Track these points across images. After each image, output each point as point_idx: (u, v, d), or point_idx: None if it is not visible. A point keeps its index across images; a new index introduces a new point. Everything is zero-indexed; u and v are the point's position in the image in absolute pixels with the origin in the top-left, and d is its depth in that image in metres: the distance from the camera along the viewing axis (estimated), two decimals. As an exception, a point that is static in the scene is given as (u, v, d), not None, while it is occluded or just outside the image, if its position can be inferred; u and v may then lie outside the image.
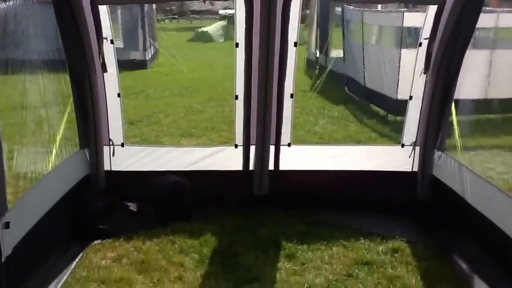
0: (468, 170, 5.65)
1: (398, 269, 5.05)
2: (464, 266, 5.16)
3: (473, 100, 8.14)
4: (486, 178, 5.57)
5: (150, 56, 20.31)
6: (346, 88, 14.68)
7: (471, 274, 5.00)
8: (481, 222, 5.25)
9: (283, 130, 5.92)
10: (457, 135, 6.31)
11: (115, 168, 6.18)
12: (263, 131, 5.75)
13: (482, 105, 8.62)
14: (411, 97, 6.12)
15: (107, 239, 5.47)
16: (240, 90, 5.78)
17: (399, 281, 4.84)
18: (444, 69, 5.60)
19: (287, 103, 5.84)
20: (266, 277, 4.85)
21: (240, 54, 5.60)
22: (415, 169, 6.33)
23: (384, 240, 5.59)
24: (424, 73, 5.81)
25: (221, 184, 5.99)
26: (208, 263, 5.09)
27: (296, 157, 6.22)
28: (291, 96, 5.88)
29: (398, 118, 11.45)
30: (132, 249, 5.31)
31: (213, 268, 5.02)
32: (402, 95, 11.05)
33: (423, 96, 5.96)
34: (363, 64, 13.26)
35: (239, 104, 5.86)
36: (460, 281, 4.88)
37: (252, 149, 6.00)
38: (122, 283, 4.70)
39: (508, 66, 10.94)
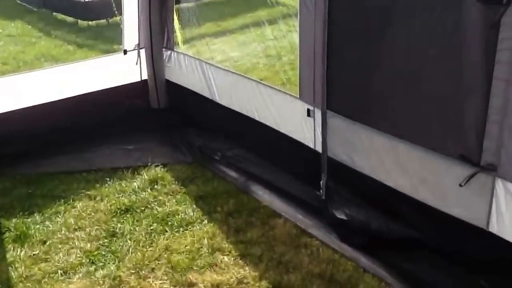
0: (206, 64, 4.83)
1: (167, 203, 4.06)
2: (226, 169, 4.50)
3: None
4: (224, 66, 4.87)
5: None
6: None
7: (241, 178, 4.35)
8: (224, 113, 4.66)
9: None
10: (179, 28, 5.37)
11: None
12: None
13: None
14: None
15: None
16: None
17: (174, 219, 3.86)
18: None
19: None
20: (-4, 282, 3.30)
21: None
22: (145, 77, 5.23)
23: (137, 173, 4.49)
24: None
25: None
26: None
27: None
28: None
29: (91, 23, 10.00)
30: None
31: None
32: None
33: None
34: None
35: None
36: (238, 190, 4.19)
37: None
38: None
39: None
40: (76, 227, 3.81)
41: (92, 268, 3.39)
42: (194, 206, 4.02)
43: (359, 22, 3.27)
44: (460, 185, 2.84)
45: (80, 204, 4.08)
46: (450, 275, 3.10)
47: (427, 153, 3.02)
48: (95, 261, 3.47)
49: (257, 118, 4.38)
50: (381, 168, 3.36)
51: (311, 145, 3.88)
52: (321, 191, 3.86)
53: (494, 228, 2.82)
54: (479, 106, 2.69)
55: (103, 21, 9.44)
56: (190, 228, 3.76)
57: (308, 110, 3.79)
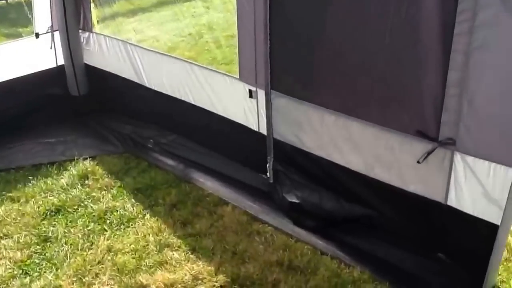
0: (131, 45, 4.47)
1: (102, 199, 3.73)
2: (162, 158, 4.22)
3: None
4: (152, 48, 4.55)
5: None
6: None
7: (180, 166, 4.09)
8: (155, 97, 4.41)
9: None
10: (93, 6, 4.93)
11: None
12: None
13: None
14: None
15: None
16: None
17: (113, 216, 3.56)
18: None
19: None
20: None
21: None
22: (61, 61, 4.77)
23: (63, 168, 4.09)
24: None
25: None
26: None
27: None
28: None
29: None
30: None
31: None
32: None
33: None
34: None
35: None
36: (179, 179, 3.93)
37: None
38: None
39: None
40: (1, 234, 3.39)
41: (27, 280, 3.03)
42: (133, 200, 3.72)
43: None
44: (418, 162, 2.80)
45: (3, 208, 3.64)
46: (408, 252, 3.09)
47: (382, 130, 2.95)
48: (29, 271, 3.10)
49: (192, 102, 4.12)
50: (333, 148, 3.26)
51: (255, 128, 3.71)
52: (267, 174, 3.73)
53: (452, 202, 2.82)
54: (437, 80, 2.63)
55: (2, 2, 8.58)
56: (132, 225, 3.48)
57: (250, 91, 3.60)
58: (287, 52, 3.28)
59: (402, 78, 2.79)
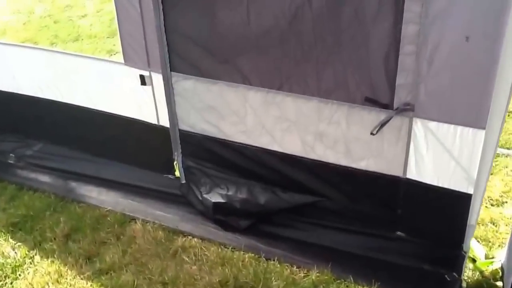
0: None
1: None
2: (33, 175, 3.34)
3: None
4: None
5: None
6: None
7: (60, 182, 3.24)
8: (7, 100, 3.50)
9: None
10: None
11: None
12: None
13: None
14: None
15: None
16: None
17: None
18: None
19: None
20: None
21: None
22: None
23: None
24: None
25: None
26: None
27: None
28: None
29: None
30: None
31: None
32: None
33: None
34: None
35: None
36: (63, 200, 3.10)
37: None
38: None
39: None
40: None
41: None
42: (11, 240, 2.84)
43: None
44: (372, 134, 2.38)
45: None
46: (365, 236, 2.71)
47: (323, 103, 2.47)
48: None
49: (61, 100, 3.26)
50: (261, 132, 2.71)
51: (153, 121, 3.01)
52: (176, 174, 3.08)
53: (412, 174, 2.46)
54: (388, 36, 2.19)
55: None
56: (20, 275, 2.63)
57: (142, 76, 2.88)
58: (188, 21, 2.60)
59: (344, 34, 2.29)
